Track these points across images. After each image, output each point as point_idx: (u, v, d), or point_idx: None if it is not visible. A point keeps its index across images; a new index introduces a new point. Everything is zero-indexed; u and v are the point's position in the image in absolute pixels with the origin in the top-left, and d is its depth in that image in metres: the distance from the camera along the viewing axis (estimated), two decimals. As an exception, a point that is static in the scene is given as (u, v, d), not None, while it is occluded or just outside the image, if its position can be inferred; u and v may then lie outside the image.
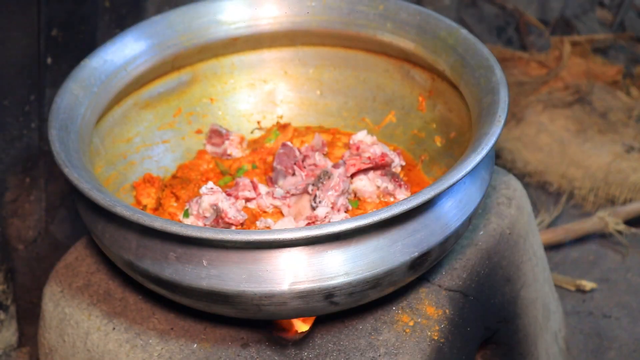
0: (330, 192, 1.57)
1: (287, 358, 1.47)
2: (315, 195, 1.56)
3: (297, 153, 1.67)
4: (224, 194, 1.56)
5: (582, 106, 2.86)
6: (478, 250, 1.65)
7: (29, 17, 1.83)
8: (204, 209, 1.55)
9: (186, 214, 1.58)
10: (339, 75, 1.83)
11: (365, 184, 1.63)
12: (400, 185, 1.63)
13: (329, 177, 1.57)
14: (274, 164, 1.67)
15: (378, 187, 1.63)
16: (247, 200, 1.61)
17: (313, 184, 1.58)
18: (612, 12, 3.24)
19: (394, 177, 1.63)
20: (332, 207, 1.56)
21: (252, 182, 1.62)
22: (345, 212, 1.58)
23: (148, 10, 2.10)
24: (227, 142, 1.76)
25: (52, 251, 2.05)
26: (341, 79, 1.83)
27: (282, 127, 1.80)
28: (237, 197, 1.60)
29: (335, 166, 1.61)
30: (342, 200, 1.57)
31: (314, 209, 1.56)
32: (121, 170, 1.67)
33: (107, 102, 1.62)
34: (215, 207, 1.54)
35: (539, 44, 3.14)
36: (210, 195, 1.55)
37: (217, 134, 1.76)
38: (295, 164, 1.66)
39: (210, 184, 1.57)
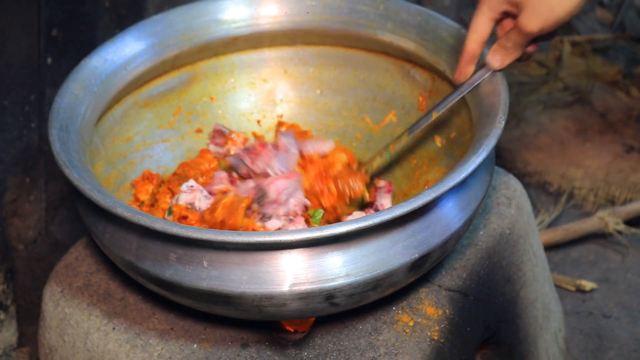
0: (273, 206, 1.53)
1: (287, 358, 1.47)
2: (263, 214, 1.52)
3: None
4: (204, 193, 1.55)
5: (582, 106, 2.86)
6: (478, 250, 1.65)
7: (29, 17, 1.82)
8: None
9: (170, 212, 1.58)
10: (339, 74, 1.83)
11: None
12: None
13: (265, 196, 1.53)
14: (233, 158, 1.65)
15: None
16: (223, 192, 1.58)
17: (256, 202, 1.54)
18: (612, 12, 3.24)
19: None
20: (287, 215, 1.52)
21: (229, 175, 1.61)
22: (305, 208, 1.55)
23: (148, 10, 2.10)
24: (230, 142, 1.76)
25: (52, 251, 2.05)
26: (341, 79, 1.83)
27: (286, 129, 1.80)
28: (212, 193, 1.57)
29: (268, 182, 1.55)
30: (291, 206, 1.53)
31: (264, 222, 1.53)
32: (121, 169, 1.67)
33: (107, 101, 1.62)
34: (191, 206, 1.54)
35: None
36: (188, 194, 1.54)
37: (220, 134, 1.76)
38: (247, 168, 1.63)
39: (192, 181, 1.56)
